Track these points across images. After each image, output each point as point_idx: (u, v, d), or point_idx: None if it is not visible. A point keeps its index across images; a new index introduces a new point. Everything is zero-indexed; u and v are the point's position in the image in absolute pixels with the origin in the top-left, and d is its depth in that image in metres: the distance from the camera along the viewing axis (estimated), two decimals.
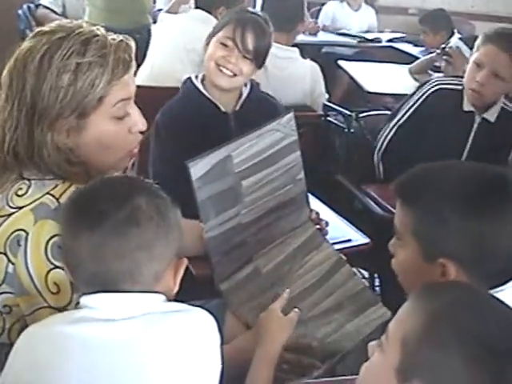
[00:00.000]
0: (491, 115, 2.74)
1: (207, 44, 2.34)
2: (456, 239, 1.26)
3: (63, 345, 1.15)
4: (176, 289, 1.28)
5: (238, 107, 2.34)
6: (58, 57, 1.40)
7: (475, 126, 2.76)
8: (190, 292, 1.44)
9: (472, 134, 2.76)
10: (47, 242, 1.37)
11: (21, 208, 1.41)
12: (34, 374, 1.15)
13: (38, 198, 1.41)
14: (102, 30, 1.47)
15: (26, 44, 1.44)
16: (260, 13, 2.40)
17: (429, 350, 0.96)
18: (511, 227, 1.26)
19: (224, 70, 2.26)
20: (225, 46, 2.27)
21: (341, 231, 2.28)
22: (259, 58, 2.31)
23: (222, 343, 1.26)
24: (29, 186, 1.43)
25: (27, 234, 1.38)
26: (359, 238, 2.27)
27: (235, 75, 2.27)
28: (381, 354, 1.05)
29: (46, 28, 1.46)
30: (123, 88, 1.46)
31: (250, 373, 1.46)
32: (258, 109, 2.34)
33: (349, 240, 2.23)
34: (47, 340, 1.17)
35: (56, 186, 1.42)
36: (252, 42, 2.27)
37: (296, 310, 1.61)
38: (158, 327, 1.18)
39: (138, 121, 1.52)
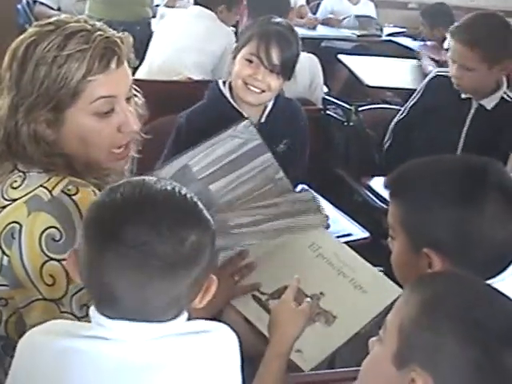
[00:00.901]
0: (488, 103, 2.77)
1: (233, 58, 2.31)
2: (438, 228, 1.29)
3: (73, 360, 1.09)
4: (202, 306, 1.18)
5: (263, 119, 2.33)
6: (39, 49, 1.40)
7: (472, 111, 2.79)
8: None
9: (468, 119, 2.79)
10: (41, 235, 1.37)
11: (15, 200, 1.41)
12: None
13: (32, 191, 1.41)
14: (99, 26, 1.46)
15: (21, 35, 1.45)
16: (283, 21, 2.36)
17: (424, 334, 0.99)
18: (491, 217, 1.27)
19: (252, 87, 2.24)
20: (250, 62, 2.24)
21: (341, 225, 2.29)
22: (287, 71, 2.28)
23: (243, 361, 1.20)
24: (24, 179, 1.43)
25: (21, 226, 1.38)
26: (359, 233, 2.28)
27: (263, 91, 2.26)
28: (380, 346, 1.08)
29: (44, 21, 1.47)
30: (103, 85, 1.43)
31: (261, 366, 1.43)
32: (283, 119, 2.36)
33: (349, 234, 2.24)
34: (55, 353, 1.10)
35: (49, 178, 1.42)
36: (277, 57, 2.23)
37: (308, 299, 1.58)
38: (177, 351, 1.12)
39: (129, 121, 1.49)
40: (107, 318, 1.10)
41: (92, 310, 1.13)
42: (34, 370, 1.12)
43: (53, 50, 1.40)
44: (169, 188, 1.12)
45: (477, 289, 1.07)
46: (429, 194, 1.31)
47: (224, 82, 2.35)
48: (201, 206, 1.14)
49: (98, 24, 1.47)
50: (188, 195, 1.13)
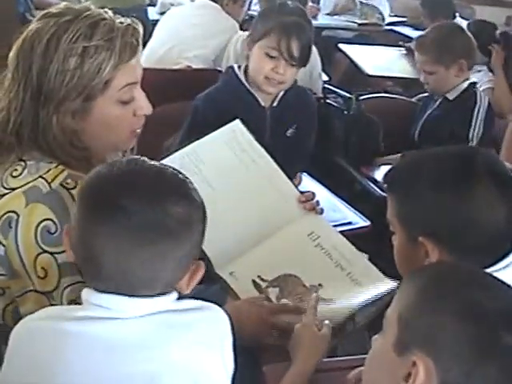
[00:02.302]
0: (451, 94, 3.03)
1: (248, 46, 2.34)
2: (430, 215, 1.30)
3: (68, 343, 1.10)
4: (188, 291, 1.20)
5: (275, 103, 2.36)
6: (64, 40, 1.40)
7: (437, 103, 3.10)
8: None
9: (431, 109, 3.11)
10: (37, 226, 1.36)
11: (13, 189, 1.40)
12: (36, 376, 1.11)
13: (31, 181, 1.40)
14: (110, 13, 1.47)
15: (33, 25, 1.44)
16: (296, 7, 2.38)
17: (421, 317, 1.00)
18: (482, 202, 1.28)
19: (272, 80, 2.28)
20: (270, 56, 2.26)
21: (341, 214, 2.29)
22: (305, 60, 2.32)
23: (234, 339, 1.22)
24: (24, 168, 1.42)
25: (18, 216, 1.38)
26: (359, 221, 2.28)
27: (282, 82, 2.30)
28: (382, 338, 1.09)
29: (53, 10, 1.46)
30: (129, 72, 1.46)
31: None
32: (294, 105, 2.40)
33: (349, 223, 2.24)
34: (51, 337, 1.11)
35: (49, 170, 1.42)
36: (297, 50, 2.25)
37: (326, 321, 1.57)
38: (172, 327, 1.13)
39: (143, 105, 1.52)
40: (97, 291, 1.13)
41: (84, 292, 1.15)
42: (31, 355, 1.12)
43: (80, 41, 1.40)
44: (160, 165, 1.20)
45: (470, 273, 1.08)
46: (419, 183, 1.33)
47: (239, 67, 2.37)
48: (191, 185, 1.18)
49: (109, 12, 1.48)
50: (178, 173, 1.19)
